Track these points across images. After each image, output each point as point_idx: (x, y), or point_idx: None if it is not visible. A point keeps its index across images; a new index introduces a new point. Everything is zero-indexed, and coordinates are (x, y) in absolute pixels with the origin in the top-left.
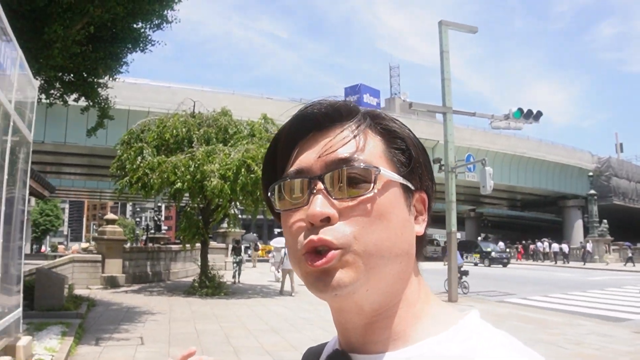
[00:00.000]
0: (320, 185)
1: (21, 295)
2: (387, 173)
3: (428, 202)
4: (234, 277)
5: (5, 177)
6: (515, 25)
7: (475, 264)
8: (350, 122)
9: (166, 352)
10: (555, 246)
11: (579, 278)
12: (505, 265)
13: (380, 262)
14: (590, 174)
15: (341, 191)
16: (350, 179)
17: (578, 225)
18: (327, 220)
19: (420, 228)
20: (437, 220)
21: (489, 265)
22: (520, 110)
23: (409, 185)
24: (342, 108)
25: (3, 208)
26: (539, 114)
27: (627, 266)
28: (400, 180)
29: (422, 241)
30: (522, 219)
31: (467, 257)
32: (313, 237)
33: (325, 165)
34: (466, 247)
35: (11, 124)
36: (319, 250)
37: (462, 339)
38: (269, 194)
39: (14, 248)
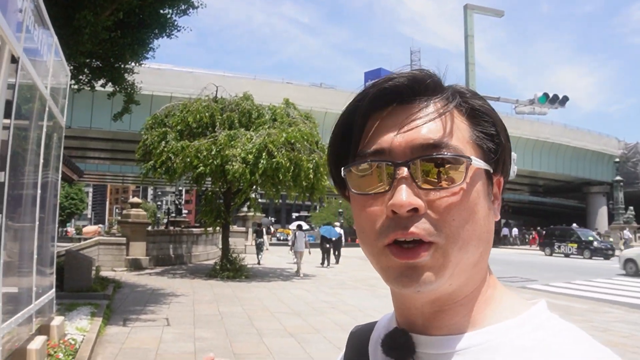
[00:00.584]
0: (405, 172)
1: (54, 277)
2: (478, 162)
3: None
4: (258, 257)
5: (42, 161)
6: (542, 9)
7: (567, 255)
8: (436, 99)
9: (191, 334)
10: None
11: (603, 265)
12: (608, 257)
13: (465, 256)
14: (617, 159)
15: (429, 181)
16: (440, 168)
17: (602, 212)
18: (414, 211)
19: (497, 213)
20: None
21: (590, 258)
22: (545, 95)
23: (491, 170)
24: (428, 81)
25: (39, 192)
26: (565, 99)
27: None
28: (486, 166)
29: (496, 226)
30: (544, 205)
31: (559, 247)
32: (402, 231)
33: (410, 149)
34: (558, 235)
35: (47, 109)
36: (402, 242)
37: (531, 329)
38: (343, 173)
39: (48, 231)
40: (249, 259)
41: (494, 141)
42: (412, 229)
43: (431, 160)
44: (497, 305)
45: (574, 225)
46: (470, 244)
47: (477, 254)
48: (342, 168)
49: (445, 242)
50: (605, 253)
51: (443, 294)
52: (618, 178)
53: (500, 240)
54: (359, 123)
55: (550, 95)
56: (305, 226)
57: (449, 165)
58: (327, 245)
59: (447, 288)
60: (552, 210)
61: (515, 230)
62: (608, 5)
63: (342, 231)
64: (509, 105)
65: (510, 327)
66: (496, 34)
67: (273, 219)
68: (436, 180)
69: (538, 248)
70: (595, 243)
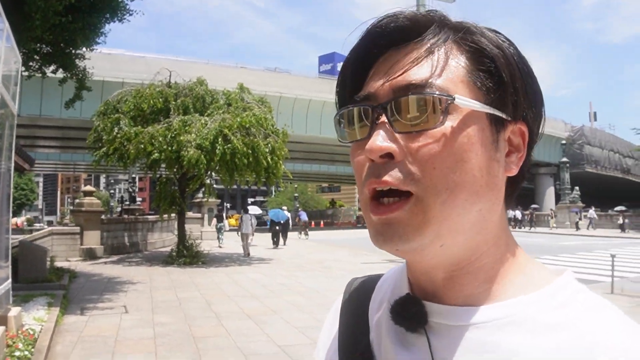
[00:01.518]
0: (382, 116)
1: (10, 268)
2: (465, 101)
3: (530, 135)
4: (219, 240)
5: None
6: None
7: None
8: (432, 37)
9: (150, 320)
10: (510, 213)
11: (550, 243)
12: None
13: (455, 212)
14: (563, 142)
15: (405, 123)
16: (418, 109)
17: (550, 192)
18: (389, 157)
19: (514, 167)
20: None
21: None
22: None
23: (500, 114)
24: (421, 20)
25: None
26: None
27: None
28: (486, 109)
29: (515, 184)
30: None
31: None
32: (376, 179)
33: (392, 92)
34: None
35: None
36: (381, 195)
37: (558, 304)
38: (335, 120)
39: (2, 222)
40: (205, 245)
41: (493, 79)
42: (385, 177)
43: (410, 100)
44: (518, 276)
45: (534, 206)
46: (459, 198)
47: (472, 211)
48: (334, 117)
49: (424, 193)
50: None
51: (443, 258)
52: (564, 159)
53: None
54: (359, 70)
55: None
56: (258, 210)
57: (428, 106)
58: (277, 228)
59: (438, 250)
60: None
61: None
62: None
63: (289, 214)
64: None
65: (533, 301)
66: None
67: (229, 205)
68: (415, 124)
69: None
70: None
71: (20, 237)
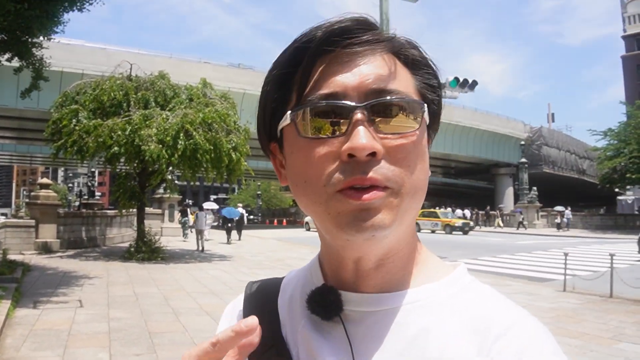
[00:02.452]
0: (361, 115)
1: None
2: (427, 111)
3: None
4: (184, 235)
5: None
6: None
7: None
8: (380, 46)
9: (105, 314)
10: (459, 212)
11: (508, 242)
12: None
13: (414, 205)
14: (522, 142)
15: (386, 125)
16: (394, 113)
17: (509, 192)
18: (372, 156)
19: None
20: None
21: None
22: (456, 79)
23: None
24: (374, 28)
25: None
26: (475, 83)
27: (561, 232)
28: (429, 119)
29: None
30: (456, 187)
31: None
32: (361, 175)
33: (364, 94)
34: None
35: None
36: (355, 188)
37: (458, 290)
38: (292, 115)
39: None
40: (165, 241)
41: (436, 93)
42: (371, 174)
43: (389, 105)
44: (425, 266)
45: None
46: (419, 193)
47: (420, 204)
48: (289, 112)
49: (399, 188)
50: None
51: (386, 246)
52: (523, 160)
53: None
54: (307, 66)
55: (461, 79)
56: (215, 206)
57: (404, 110)
58: (229, 225)
59: (391, 238)
60: (463, 192)
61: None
62: None
63: (244, 211)
64: None
65: (437, 288)
66: (412, 21)
67: (191, 201)
68: (393, 125)
69: None
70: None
71: None
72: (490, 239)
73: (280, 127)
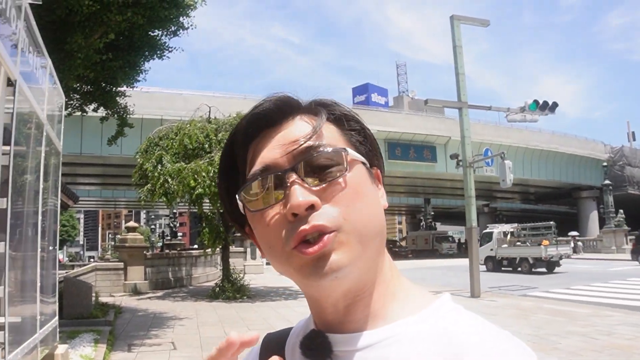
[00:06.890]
0: (293, 177)
1: (57, 304)
2: (353, 153)
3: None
4: None
5: (41, 187)
6: (525, 19)
7: None
8: (302, 114)
9: (200, 356)
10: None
11: (599, 269)
12: None
13: (369, 238)
14: (604, 164)
15: (316, 178)
16: (321, 165)
17: (593, 217)
18: (311, 209)
19: (384, 202)
20: (450, 216)
21: None
22: (536, 102)
23: (367, 163)
24: (292, 101)
25: (40, 218)
26: (555, 105)
27: None
28: (362, 158)
29: None
30: (536, 212)
31: None
32: (304, 227)
33: (292, 157)
34: None
35: (44, 134)
36: (308, 240)
37: (434, 321)
38: (240, 197)
39: (50, 258)
40: (247, 278)
41: (362, 136)
42: (314, 222)
43: (314, 159)
44: (403, 299)
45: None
46: (370, 226)
47: (377, 238)
48: (237, 195)
49: (347, 226)
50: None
51: (353, 283)
52: (607, 182)
53: None
54: (240, 155)
55: (540, 102)
56: None
57: (329, 159)
58: None
59: (356, 274)
60: (544, 217)
61: None
62: (587, 14)
63: None
64: (496, 114)
65: (416, 320)
66: (482, 46)
67: None
68: (322, 176)
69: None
70: None
71: (64, 272)
72: (579, 267)
73: (241, 211)
